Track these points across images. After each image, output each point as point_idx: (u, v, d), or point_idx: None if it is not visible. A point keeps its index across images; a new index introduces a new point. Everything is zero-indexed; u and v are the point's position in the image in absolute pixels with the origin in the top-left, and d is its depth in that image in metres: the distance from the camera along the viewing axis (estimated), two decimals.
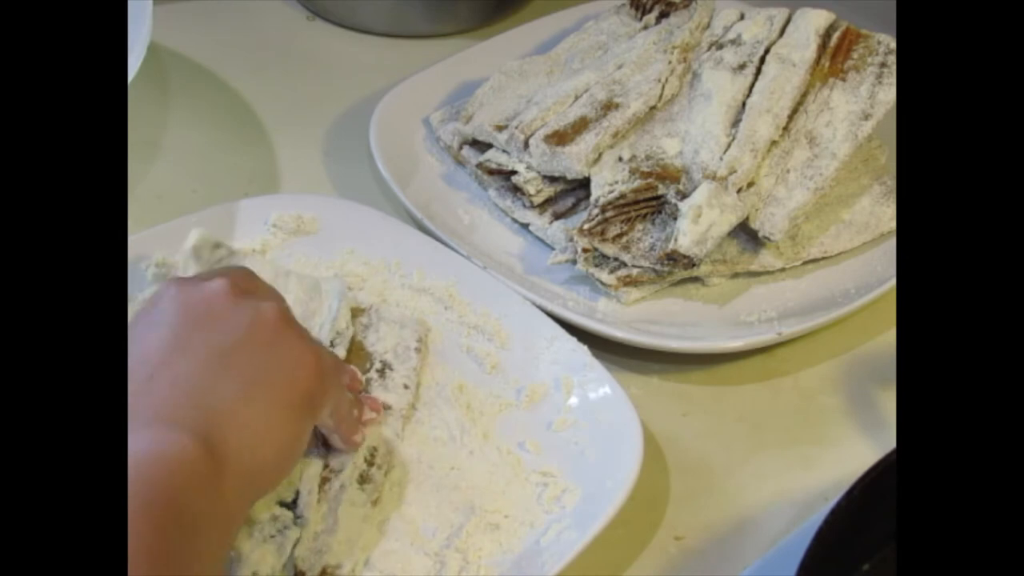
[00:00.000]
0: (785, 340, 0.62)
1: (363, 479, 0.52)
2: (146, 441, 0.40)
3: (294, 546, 0.48)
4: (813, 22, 0.72)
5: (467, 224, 0.69)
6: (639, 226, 0.64)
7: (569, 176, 0.66)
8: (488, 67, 0.76)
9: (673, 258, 0.61)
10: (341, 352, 0.56)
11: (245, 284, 0.48)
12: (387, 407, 0.56)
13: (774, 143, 0.66)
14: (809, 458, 0.59)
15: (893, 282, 0.64)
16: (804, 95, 0.69)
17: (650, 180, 0.64)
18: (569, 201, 0.69)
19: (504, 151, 0.69)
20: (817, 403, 0.61)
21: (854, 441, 0.59)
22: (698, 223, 0.61)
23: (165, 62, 0.82)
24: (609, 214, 0.63)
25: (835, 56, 0.71)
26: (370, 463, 0.53)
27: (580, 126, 0.67)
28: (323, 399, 0.48)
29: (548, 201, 0.68)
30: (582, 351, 0.58)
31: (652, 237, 0.64)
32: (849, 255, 0.68)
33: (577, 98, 0.70)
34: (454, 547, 0.51)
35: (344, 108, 0.79)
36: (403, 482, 0.54)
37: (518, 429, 0.56)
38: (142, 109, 0.77)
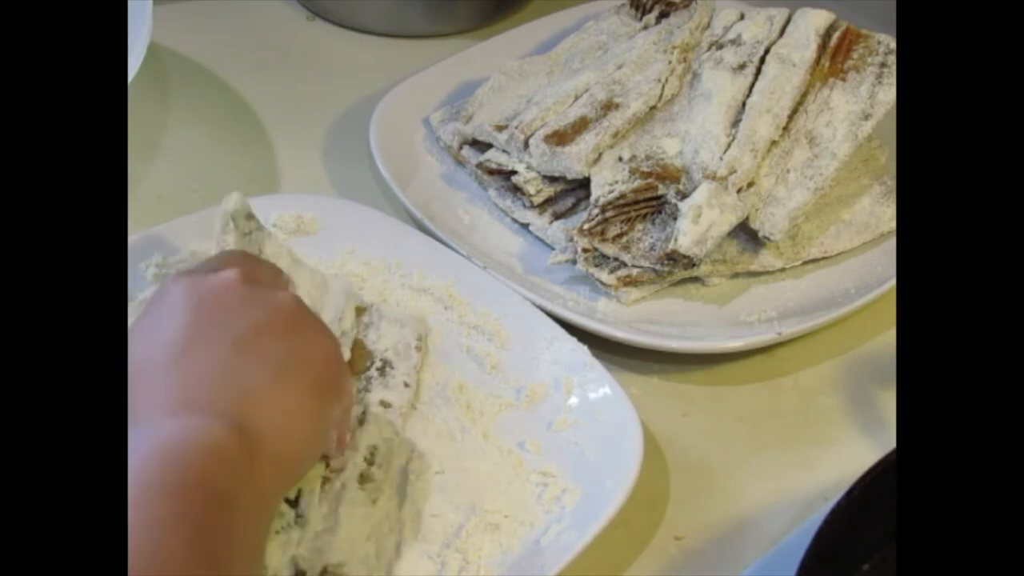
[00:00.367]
0: (785, 340, 0.62)
1: (363, 478, 0.52)
2: (177, 428, 0.39)
3: (296, 545, 0.48)
4: (813, 22, 0.72)
5: (467, 224, 0.69)
6: (639, 226, 0.64)
7: (569, 176, 0.66)
8: (488, 67, 0.76)
9: (673, 258, 0.61)
10: (345, 352, 0.56)
11: (253, 272, 0.48)
12: (387, 404, 0.56)
13: (774, 143, 0.66)
14: (809, 458, 0.59)
15: (893, 282, 0.64)
16: (804, 95, 0.69)
17: (650, 180, 0.64)
18: (569, 201, 0.69)
19: (504, 151, 0.69)
20: (817, 403, 0.61)
21: (854, 441, 0.59)
22: (698, 223, 0.61)
23: (165, 62, 0.82)
24: (609, 214, 0.63)
25: (835, 56, 0.71)
26: (370, 462, 0.53)
27: (580, 126, 0.67)
28: (343, 388, 0.47)
29: (548, 201, 0.68)
30: (582, 351, 0.58)
31: (652, 237, 0.64)
32: (849, 255, 0.68)
33: (577, 98, 0.70)
34: (454, 547, 0.51)
35: (344, 108, 0.79)
36: (425, 472, 0.54)
37: (518, 429, 0.56)
38: (142, 109, 0.77)
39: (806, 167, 0.66)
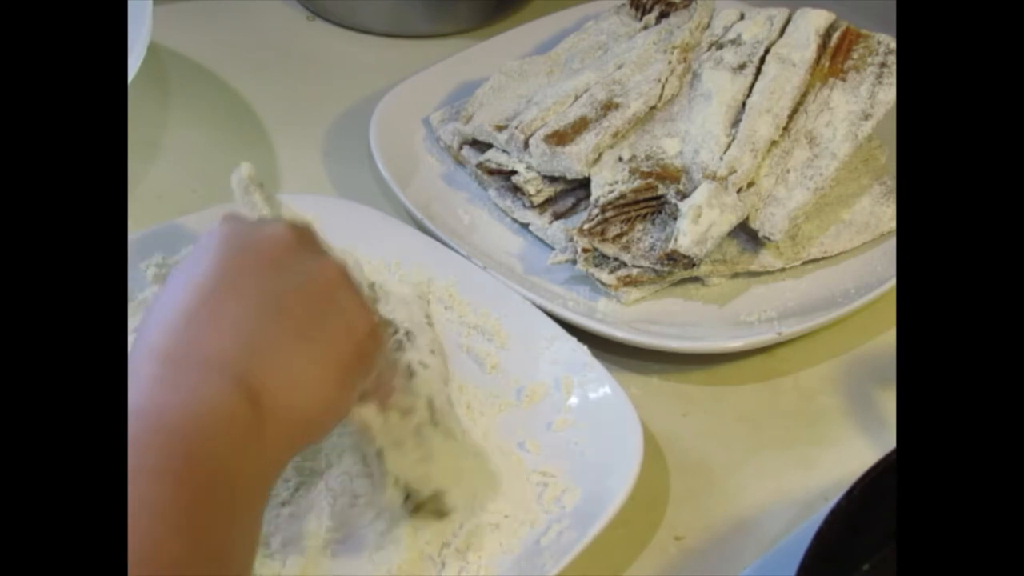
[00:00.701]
0: (785, 340, 0.62)
1: (434, 423, 0.51)
2: (186, 391, 0.38)
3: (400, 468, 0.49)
4: (813, 22, 0.72)
5: (467, 224, 0.69)
6: (639, 226, 0.64)
7: (569, 176, 0.66)
8: (488, 67, 0.76)
9: (673, 258, 0.61)
10: None
11: (309, 238, 0.46)
12: (425, 365, 0.54)
13: (774, 143, 0.66)
14: (809, 458, 0.59)
15: (893, 282, 0.64)
16: (804, 95, 0.69)
17: (650, 180, 0.64)
18: (569, 201, 0.69)
19: (504, 151, 0.69)
20: (817, 403, 0.61)
21: (854, 441, 0.59)
22: (698, 223, 0.61)
23: (165, 62, 0.82)
24: (609, 214, 0.63)
25: (835, 56, 0.71)
26: (432, 412, 0.51)
27: (580, 126, 0.67)
28: (373, 363, 0.46)
29: (548, 201, 0.68)
30: (582, 351, 0.58)
31: (652, 237, 0.64)
32: (849, 255, 0.68)
33: (577, 98, 0.70)
34: (454, 547, 0.51)
35: (344, 108, 0.79)
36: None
37: (518, 429, 0.56)
38: (142, 109, 0.77)
39: (806, 167, 0.66)
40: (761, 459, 0.58)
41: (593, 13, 0.82)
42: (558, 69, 0.75)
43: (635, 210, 0.64)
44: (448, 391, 0.55)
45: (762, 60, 0.70)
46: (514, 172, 0.68)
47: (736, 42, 0.72)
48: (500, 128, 0.69)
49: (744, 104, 0.68)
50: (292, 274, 0.43)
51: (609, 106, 0.68)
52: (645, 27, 0.76)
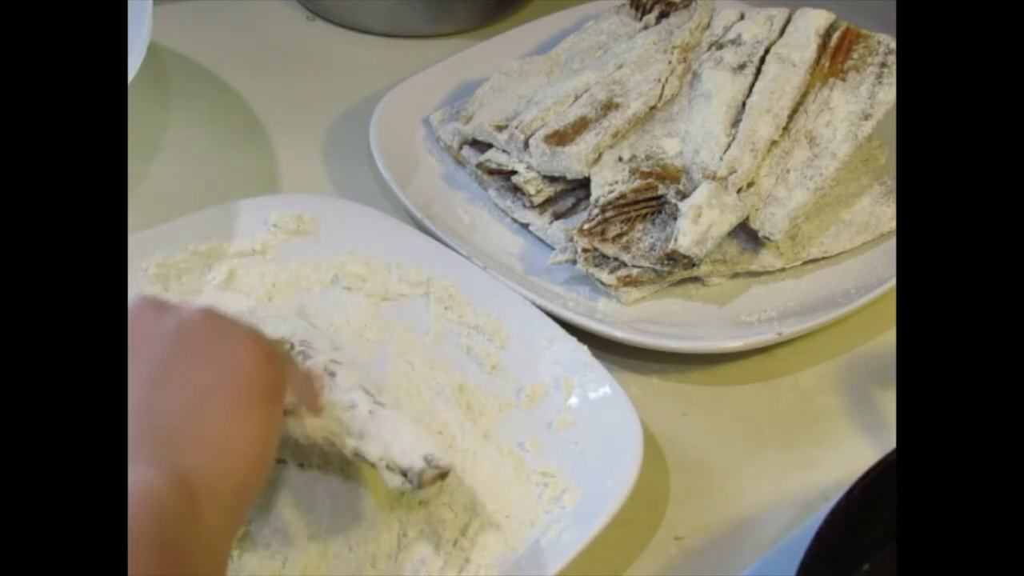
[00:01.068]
0: (785, 340, 0.62)
1: (378, 405, 0.51)
2: (132, 482, 0.37)
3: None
4: (813, 22, 0.72)
5: (467, 224, 0.69)
6: (639, 226, 0.64)
7: (569, 176, 0.66)
8: (488, 67, 0.76)
9: (673, 258, 0.61)
10: None
11: (161, 301, 0.45)
12: (337, 362, 0.52)
13: (774, 143, 0.66)
14: (809, 458, 0.59)
15: (893, 282, 0.64)
16: (804, 95, 0.69)
17: (650, 180, 0.64)
18: (569, 201, 0.69)
19: (504, 151, 0.69)
20: (817, 403, 0.61)
21: (854, 441, 0.59)
22: (698, 223, 0.61)
23: (165, 62, 0.82)
24: (609, 214, 0.63)
25: (835, 56, 0.71)
26: (370, 394, 0.50)
27: (580, 126, 0.67)
28: (282, 383, 0.44)
29: (548, 201, 0.68)
30: (582, 351, 0.58)
31: (652, 237, 0.64)
32: (849, 255, 0.68)
33: (577, 98, 0.70)
34: (459, 547, 0.51)
35: (344, 108, 0.79)
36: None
37: (518, 429, 0.56)
38: (142, 109, 0.77)
39: (806, 167, 0.66)
40: (761, 459, 0.58)
41: (593, 13, 0.82)
42: (558, 69, 0.75)
43: (635, 210, 0.64)
44: (371, 377, 0.54)
45: (762, 60, 0.70)
46: (514, 172, 0.68)
47: (736, 42, 0.72)
48: (500, 128, 0.69)
49: (744, 104, 0.68)
50: (161, 339, 0.42)
51: (609, 106, 0.68)
52: (645, 27, 0.76)
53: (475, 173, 0.71)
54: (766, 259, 0.65)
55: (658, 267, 0.62)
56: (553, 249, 0.67)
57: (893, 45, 0.71)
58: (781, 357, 0.63)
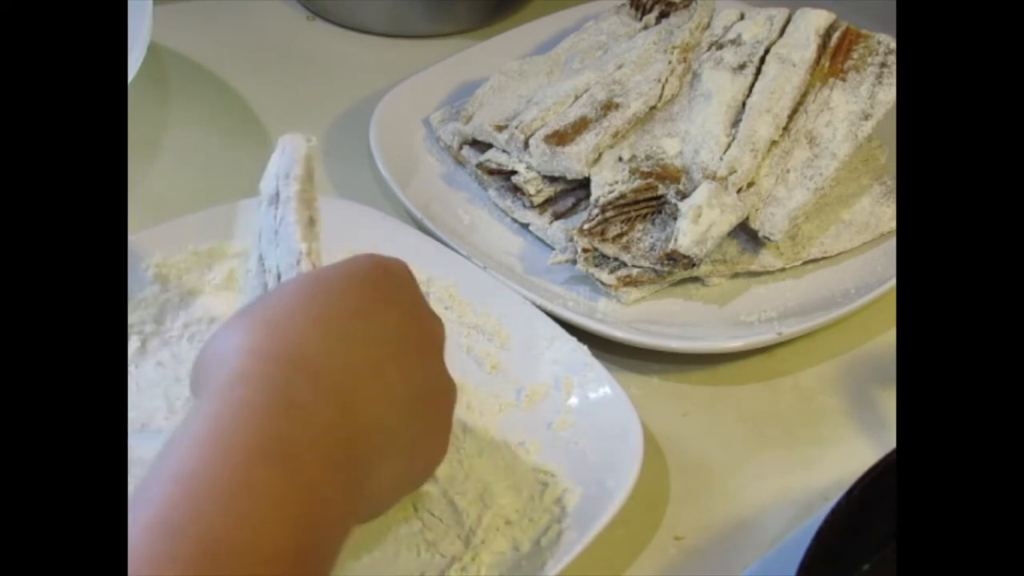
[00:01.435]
0: (785, 340, 0.62)
1: None
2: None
3: None
4: (813, 22, 0.72)
5: (467, 224, 0.69)
6: (639, 226, 0.64)
7: (569, 176, 0.66)
8: (488, 67, 0.76)
9: (673, 258, 0.61)
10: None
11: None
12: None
13: (774, 143, 0.66)
14: (809, 458, 0.59)
15: (893, 282, 0.64)
16: (804, 95, 0.69)
17: (650, 180, 0.64)
18: (569, 201, 0.69)
19: (504, 151, 0.69)
20: (817, 403, 0.61)
21: (854, 441, 0.59)
22: (698, 223, 0.61)
23: (165, 62, 0.82)
24: (609, 214, 0.63)
25: (835, 56, 0.71)
26: None
27: (580, 126, 0.67)
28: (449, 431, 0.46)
29: (548, 201, 0.68)
30: (582, 351, 0.58)
31: (652, 237, 0.64)
32: (849, 255, 0.68)
33: (577, 98, 0.70)
34: (471, 542, 0.51)
35: (344, 108, 0.79)
36: None
37: (518, 429, 0.56)
38: (142, 109, 0.77)
39: (806, 167, 0.66)
40: (761, 459, 0.58)
41: (593, 13, 0.82)
42: (558, 69, 0.75)
43: (635, 210, 0.64)
44: None
45: (762, 60, 0.70)
46: (514, 172, 0.68)
47: (736, 42, 0.72)
48: (500, 128, 0.69)
49: (744, 104, 0.68)
50: (413, 323, 0.43)
51: (609, 106, 0.68)
52: (645, 27, 0.76)
53: (475, 173, 0.71)
54: (766, 259, 0.65)
55: (658, 267, 0.62)
56: (553, 249, 0.67)
57: (893, 45, 0.71)
58: (781, 357, 0.63)
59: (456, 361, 0.59)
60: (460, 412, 0.57)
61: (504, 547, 0.51)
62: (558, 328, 0.59)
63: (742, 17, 0.75)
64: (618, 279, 0.63)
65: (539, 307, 0.60)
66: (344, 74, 0.83)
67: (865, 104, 0.68)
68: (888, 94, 0.68)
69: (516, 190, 0.69)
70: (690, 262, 0.61)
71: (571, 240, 0.64)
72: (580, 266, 0.64)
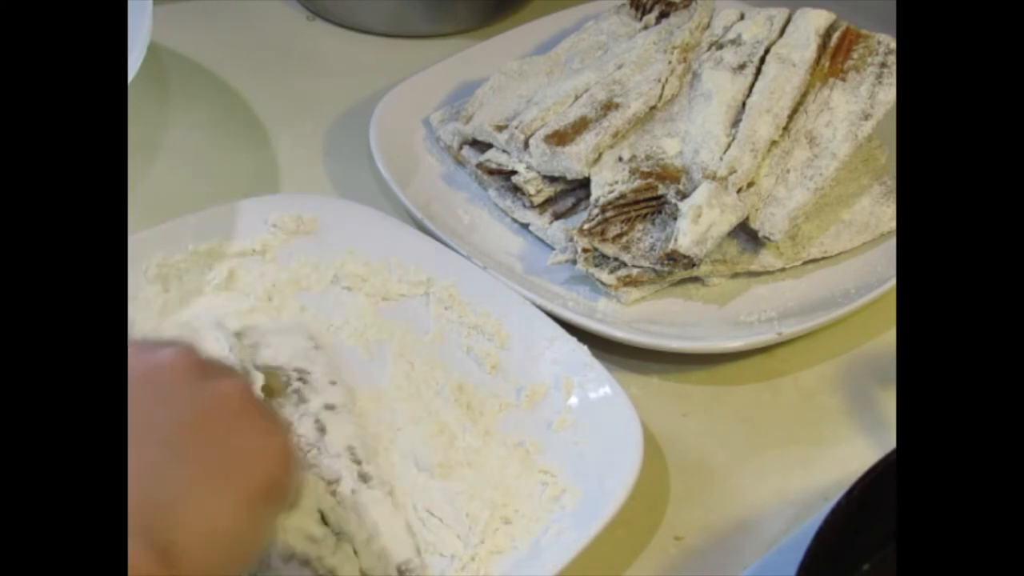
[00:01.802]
0: (785, 340, 0.62)
1: (363, 478, 0.52)
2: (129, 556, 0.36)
3: (358, 559, 0.49)
4: (813, 22, 0.72)
5: (467, 224, 0.69)
6: (639, 226, 0.64)
7: (569, 176, 0.66)
8: (488, 67, 0.76)
9: (673, 258, 0.61)
10: (256, 386, 0.54)
11: (203, 360, 0.43)
12: (331, 407, 0.55)
13: (774, 143, 0.66)
14: (809, 458, 0.59)
15: (893, 282, 0.64)
16: (804, 95, 0.69)
17: (650, 180, 0.64)
18: (569, 201, 0.69)
19: (504, 151, 0.69)
20: (817, 403, 0.61)
21: (854, 441, 0.59)
22: (698, 223, 0.61)
23: (165, 62, 0.82)
24: (609, 214, 0.63)
25: (835, 56, 0.71)
26: (357, 461, 0.53)
27: (580, 126, 0.67)
28: (287, 489, 0.42)
29: (548, 201, 0.68)
30: (582, 351, 0.58)
31: (652, 237, 0.64)
32: (849, 255, 0.68)
33: (577, 98, 0.70)
34: (469, 545, 0.51)
35: (344, 108, 0.79)
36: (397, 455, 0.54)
37: (518, 429, 0.56)
38: (142, 109, 0.77)
39: (806, 167, 0.66)
40: (761, 459, 0.58)
41: (593, 13, 0.82)
42: (558, 69, 0.75)
43: (635, 210, 0.64)
44: (365, 426, 0.55)
45: (762, 60, 0.70)
46: (514, 172, 0.68)
47: (736, 42, 0.72)
48: (500, 128, 0.69)
49: (744, 104, 0.68)
50: (190, 404, 0.40)
51: (609, 106, 0.68)
52: (645, 27, 0.76)
53: (475, 173, 0.71)
54: (766, 259, 0.65)
55: (658, 267, 0.62)
56: (553, 249, 0.67)
57: (893, 45, 0.71)
58: (781, 357, 0.63)
59: (456, 361, 0.59)
60: (460, 412, 0.57)
61: (504, 547, 0.51)
62: (558, 328, 0.59)
63: (742, 17, 0.75)
64: (618, 279, 0.63)
65: (539, 307, 0.60)
66: (344, 74, 0.83)
67: (865, 104, 0.68)
68: (888, 94, 0.68)
69: (516, 190, 0.69)
70: (690, 262, 0.61)
71: (571, 240, 0.64)
72: (580, 266, 0.64)
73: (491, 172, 0.70)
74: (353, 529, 0.50)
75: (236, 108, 0.79)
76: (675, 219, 0.62)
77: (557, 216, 0.68)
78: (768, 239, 0.64)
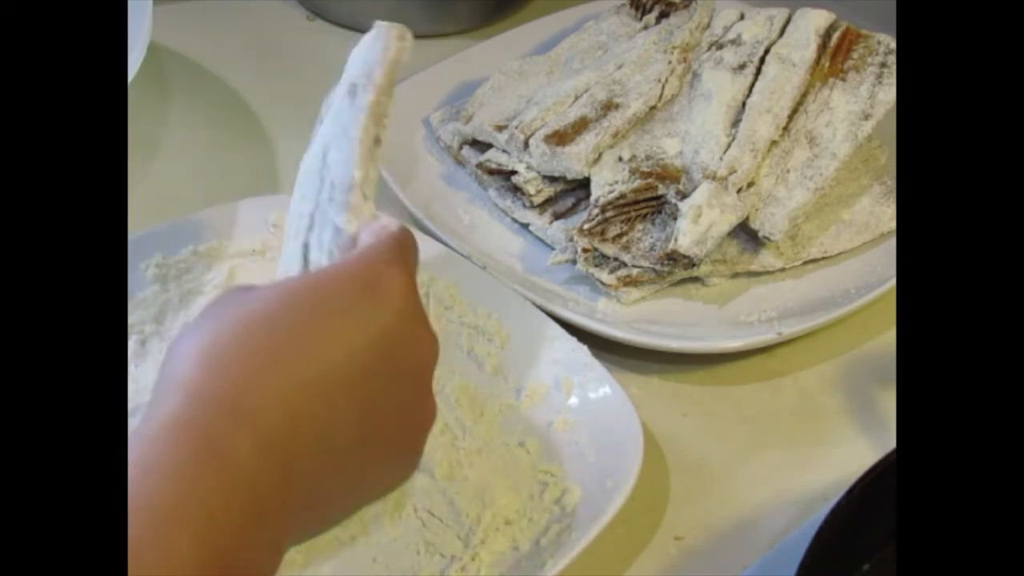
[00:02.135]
0: (785, 340, 0.62)
1: None
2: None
3: None
4: (813, 22, 0.72)
5: (467, 224, 0.69)
6: (639, 226, 0.64)
7: (569, 176, 0.66)
8: (488, 67, 0.76)
9: (673, 258, 0.61)
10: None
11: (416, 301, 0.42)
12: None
13: (774, 143, 0.66)
14: (809, 458, 0.59)
15: (893, 282, 0.64)
16: (804, 95, 0.69)
17: (650, 180, 0.64)
18: (569, 201, 0.69)
19: (504, 151, 0.69)
20: (817, 403, 0.61)
21: (854, 441, 0.59)
22: (698, 223, 0.61)
23: (165, 62, 0.82)
24: (609, 214, 0.63)
25: (835, 56, 0.71)
26: None
27: (580, 126, 0.67)
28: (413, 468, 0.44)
29: (548, 201, 0.68)
30: (582, 351, 0.58)
31: (652, 237, 0.64)
32: (849, 255, 0.68)
33: (577, 98, 0.70)
34: (470, 545, 0.51)
35: None
36: None
37: (518, 429, 0.56)
38: (142, 108, 0.77)
39: (806, 167, 0.66)
40: (761, 459, 0.58)
41: (593, 13, 0.82)
42: (558, 69, 0.75)
43: (635, 210, 0.64)
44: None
45: (762, 60, 0.70)
46: (514, 172, 0.68)
47: (736, 42, 0.72)
48: (500, 128, 0.69)
49: (744, 104, 0.68)
50: (391, 358, 0.40)
51: (609, 106, 0.68)
52: (645, 27, 0.76)
53: (475, 173, 0.71)
54: (766, 259, 0.65)
55: (658, 267, 0.62)
56: (553, 249, 0.67)
57: (893, 45, 0.71)
58: (781, 357, 0.63)
59: (456, 361, 0.59)
60: (460, 412, 0.57)
61: (504, 547, 0.51)
62: (558, 328, 0.59)
63: (742, 17, 0.75)
64: (618, 279, 0.63)
65: (539, 307, 0.60)
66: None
67: (865, 104, 0.68)
68: (888, 94, 0.68)
69: (516, 190, 0.69)
70: (690, 262, 0.61)
71: (571, 240, 0.64)
72: (580, 266, 0.64)
73: (491, 172, 0.70)
74: (353, 529, 0.50)
75: (236, 108, 0.79)
76: (675, 219, 0.62)
77: (557, 216, 0.68)
78: (768, 239, 0.64)
